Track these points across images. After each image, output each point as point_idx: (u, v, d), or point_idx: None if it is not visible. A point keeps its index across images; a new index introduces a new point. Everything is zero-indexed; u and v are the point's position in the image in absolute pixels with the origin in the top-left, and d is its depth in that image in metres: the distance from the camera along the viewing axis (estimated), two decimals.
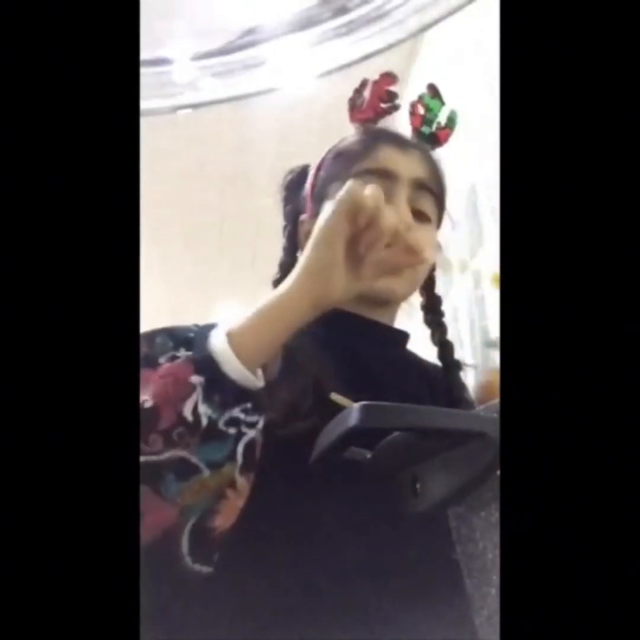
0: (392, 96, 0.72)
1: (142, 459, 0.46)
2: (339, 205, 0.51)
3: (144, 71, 0.55)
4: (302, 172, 0.78)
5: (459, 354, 0.76)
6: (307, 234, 0.73)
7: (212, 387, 0.49)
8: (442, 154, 0.75)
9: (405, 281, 0.68)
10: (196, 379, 0.49)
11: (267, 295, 0.54)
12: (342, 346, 0.66)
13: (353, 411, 0.41)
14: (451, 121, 0.75)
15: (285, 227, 0.77)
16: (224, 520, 0.50)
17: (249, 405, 0.51)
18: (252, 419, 0.51)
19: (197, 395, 0.49)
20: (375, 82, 0.72)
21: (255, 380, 0.51)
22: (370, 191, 0.51)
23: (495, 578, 0.41)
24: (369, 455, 0.47)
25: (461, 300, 1.96)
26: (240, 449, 0.50)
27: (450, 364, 0.75)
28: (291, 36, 0.62)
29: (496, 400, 0.44)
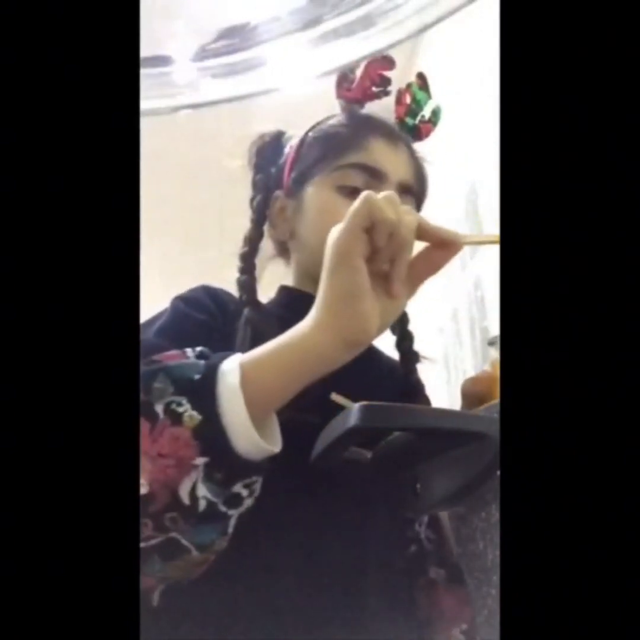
0: (384, 81, 0.70)
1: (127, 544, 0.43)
2: (355, 220, 0.44)
3: (144, 71, 0.55)
4: (276, 139, 0.74)
5: (459, 354, 0.76)
6: (281, 211, 0.70)
7: (216, 464, 0.43)
8: (426, 151, 0.73)
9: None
10: (200, 460, 0.42)
11: (290, 332, 0.46)
12: None
13: (353, 411, 0.41)
14: (435, 116, 0.72)
15: (253, 198, 0.72)
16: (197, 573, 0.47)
17: (253, 478, 0.45)
18: (254, 487, 0.45)
19: (197, 475, 0.42)
20: (370, 63, 0.69)
21: (269, 448, 0.44)
22: (387, 199, 0.45)
23: (495, 578, 0.41)
24: (369, 455, 0.47)
25: (461, 301, 1.96)
26: (233, 522, 0.45)
27: (407, 355, 0.71)
28: (291, 36, 0.61)
29: (496, 401, 0.44)
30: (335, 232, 0.46)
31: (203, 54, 0.62)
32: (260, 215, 0.71)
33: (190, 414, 0.43)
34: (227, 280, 0.70)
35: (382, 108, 0.72)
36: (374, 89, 0.70)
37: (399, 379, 0.70)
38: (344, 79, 0.71)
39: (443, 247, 0.47)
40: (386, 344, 0.71)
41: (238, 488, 0.44)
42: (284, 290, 0.72)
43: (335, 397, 0.46)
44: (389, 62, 0.69)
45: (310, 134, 0.71)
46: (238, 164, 0.74)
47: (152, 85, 0.60)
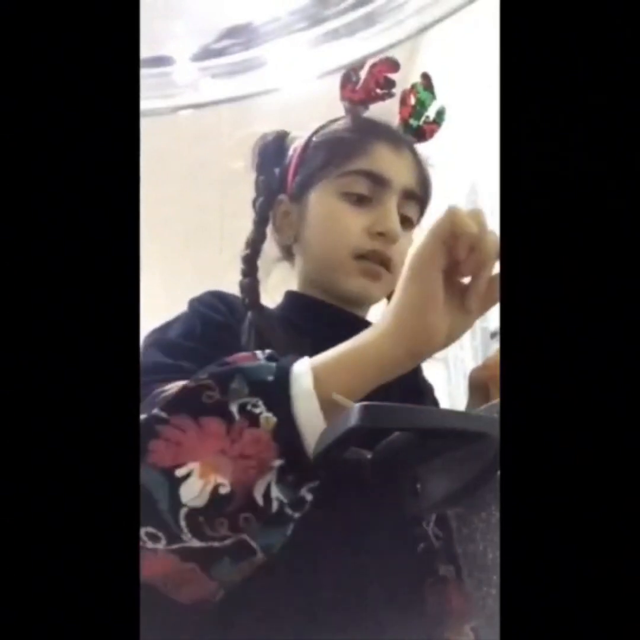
0: (389, 84, 0.70)
1: (201, 544, 0.43)
2: (436, 231, 0.45)
3: (144, 71, 0.55)
4: (279, 139, 0.73)
5: (459, 354, 0.76)
6: (285, 215, 0.71)
7: (289, 467, 0.44)
8: (427, 152, 0.73)
9: (383, 284, 0.66)
10: (277, 462, 0.43)
11: (359, 337, 0.47)
12: (314, 335, 0.61)
13: (353, 411, 0.41)
14: (439, 116, 0.73)
15: (255, 199, 0.72)
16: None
17: (317, 482, 0.45)
18: (316, 492, 0.46)
19: (272, 477, 0.43)
20: (375, 65, 0.69)
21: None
22: (472, 214, 0.46)
23: (495, 578, 0.41)
24: (369, 456, 0.47)
25: None
26: (292, 525, 0.45)
27: None
28: (292, 36, 0.61)
29: (496, 400, 0.44)
30: (418, 244, 0.47)
31: (203, 54, 0.62)
32: (263, 217, 0.71)
33: (265, 415, 0.44)
34: (229, 281, 0.70)
35: (386, 110, 0.72)
36: (378, 91, 0.70)
37: (406, 379, 0.70)
38: (348, 80, 0.70)
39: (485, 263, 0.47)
40: None
41: (304, 491, 0.45)
42: (290, 295, 0.72)
43: (336, 396, 0.45)
44: (394, 65, 0.69)
45: (314, 138, 0.71)
46: (240, 164, 0.74)
47: (152, 85, 0.60)
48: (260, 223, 0.71)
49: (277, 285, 0.73)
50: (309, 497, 0.45)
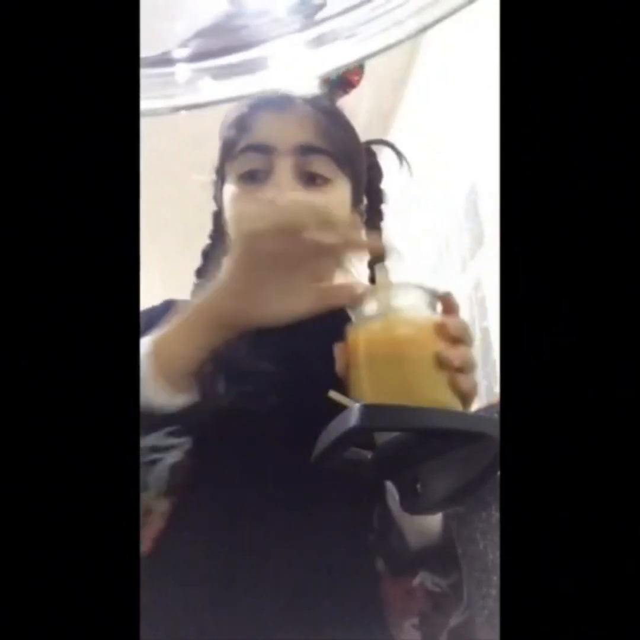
0: None
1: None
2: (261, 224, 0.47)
3: (144, 71, 0.55)
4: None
5: None
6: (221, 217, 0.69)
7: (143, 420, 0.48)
8: (424, 150, 0.72)
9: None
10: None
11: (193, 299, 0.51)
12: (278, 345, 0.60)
13: (353, 411, 0.41)
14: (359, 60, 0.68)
15: (214, 212, 0.72)
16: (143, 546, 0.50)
17: (169, 428, 0.49)
18: (172, 441, 0.49)
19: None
20: None
21: (174, 400, 0.49)
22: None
23: (496, 578, 0.41)
24: (369, 456, 0.47)
25: (461, 302, 1.95)
26: (155, 475, 0.49)
27: None
28: (291, 36, 0.61)
29: (496, 400, 0.44)
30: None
31: (203, 54, 0.62)
32: (217, 227, 0.72)
33: None
34: None
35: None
36: None
37: None
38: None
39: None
40: None
41: (153, 440, 0.48)
42: None
43: (334, 394, 0.45)
44: None
45: (223, 126, 0.70)
46: (204, 179, 0.74)
47: (152, 85, 0.60)
48: (216, 235, 0.72)
49: None
50: (160, 442, 0.49)
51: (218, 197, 0.71)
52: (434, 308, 0.49)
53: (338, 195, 0.65)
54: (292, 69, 0.65)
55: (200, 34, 0.62)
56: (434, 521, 0.56)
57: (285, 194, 0.61)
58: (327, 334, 0.49)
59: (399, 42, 0.58)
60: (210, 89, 0.64)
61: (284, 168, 0.62)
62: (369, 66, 0.74)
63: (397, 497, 0.50)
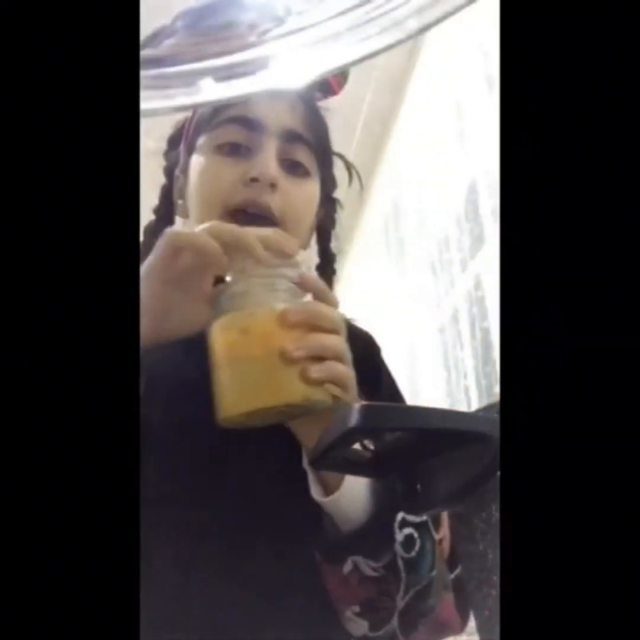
0: None
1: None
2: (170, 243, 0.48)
3: (144, 71, 0.55)
4: (183, 125, 0.72)
5: (459, 354, 0.76)
6: (181, 191, 0.69)
7: None
8: (423, 150, 0.73)
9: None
10: None
11: None
12: None
13: (353, 411, 0.41)
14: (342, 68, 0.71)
15: (162, 186, 0.71)
16: None
17: None
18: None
19: None
20: None
21: None
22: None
23: (496, 579, 0.41)
24: (369, 456, 0.47)
25: (461, 302, 1.96)
26: None
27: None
28: (292, 37, 0.61)
29: (496, 400, 0.44)
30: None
31: (203, 54, 0.62)
32: (165, 200, 0.70)
33: None
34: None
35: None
36: None
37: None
38: None
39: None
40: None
41: None
42: None
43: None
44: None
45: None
46: (153, 145, 0.73)
47: (152, 85, 0.60)
48: (162, 208, 0.70)
49: None
50: None
51: (167, 172, 0.70)
52: (298, 295, 0.48)
53: (312, 191, 0.65)
54: (292, 69, 0.65)
55: (200, 34, 0.62)
56: (360, 503, 0.55)
57: (270, 172, 0.60)
58: None
59: (399, 42, 0.58)
60: (211, 88, 0.64)
61: (271, 148, 0.61)
62: (369, 66, 0.74)
63: (316, 482, 0.52)
